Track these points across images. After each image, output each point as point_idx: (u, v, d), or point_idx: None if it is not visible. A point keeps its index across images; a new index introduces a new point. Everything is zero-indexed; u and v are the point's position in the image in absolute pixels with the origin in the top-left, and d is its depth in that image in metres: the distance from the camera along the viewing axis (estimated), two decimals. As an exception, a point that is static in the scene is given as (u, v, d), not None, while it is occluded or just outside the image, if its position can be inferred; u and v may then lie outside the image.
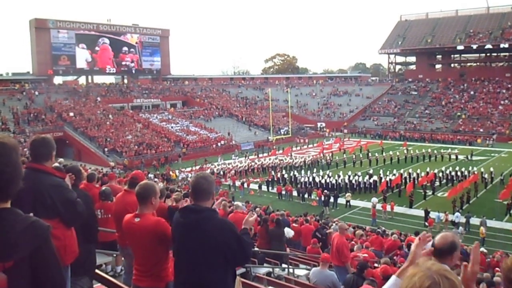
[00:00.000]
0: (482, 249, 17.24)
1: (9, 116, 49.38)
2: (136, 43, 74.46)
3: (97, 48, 69.40)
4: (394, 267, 9.39)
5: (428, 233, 2.64)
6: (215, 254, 3.13)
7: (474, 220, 24.57)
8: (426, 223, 24.71)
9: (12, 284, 1.82)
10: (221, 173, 38.81)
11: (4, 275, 1.80)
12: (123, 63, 72.72)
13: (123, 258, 6.72)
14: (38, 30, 63.64)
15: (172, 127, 58.37)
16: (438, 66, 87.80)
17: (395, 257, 13.64)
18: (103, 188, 6.87)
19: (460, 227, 23.22)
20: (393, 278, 2.48)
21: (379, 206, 27.73)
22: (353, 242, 14.59)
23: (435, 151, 46.64)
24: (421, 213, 26.50)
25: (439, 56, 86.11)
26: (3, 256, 1.80)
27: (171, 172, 39.02)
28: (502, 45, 72.54)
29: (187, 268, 3.23)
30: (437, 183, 33.80)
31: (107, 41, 70.74)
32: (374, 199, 28.94)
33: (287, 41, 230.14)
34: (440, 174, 35.42)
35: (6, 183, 1.89)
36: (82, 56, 68.28)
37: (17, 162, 1.93)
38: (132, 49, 73.81)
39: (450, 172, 35.16)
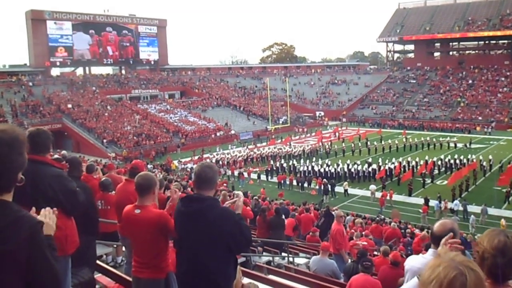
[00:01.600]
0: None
1: (7, 109, 49.23)
2: (135, 27, 74.85)
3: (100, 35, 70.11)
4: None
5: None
6: (218, 242, 3.13)
7: (474, 208, 24.65)
8: (420, 210, 24.79)
9: (1, 277, 1.81)
10: (220, 162, 38.83)
11: None
12: (123, 43, 72.79)
13: (123, 249, 6.74)
14: (34, 22, 63.25)
15: (170, 117, 58.30)
16: (436, 54, 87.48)
17: (396, 244, 13.71)
18: (103, 179, 6.86)
19: (472, 216, 23.00)
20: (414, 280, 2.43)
21: (378, 194, 27.86)
22: (352, 230, 14.66)
23: (434, 139, 46.63)
24: (420, 201, 26.57)
25: (437, 44, 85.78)
26: None
27: (173, 163, 39.10)
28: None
29: (189, 257, 3.23)
30: (436, 171, 33.91)
31: (109, 28, 71.12)
32: (373, 186, 29.10)
33: (285, 30, 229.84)
34: (439, 162, 35.47)
35: None
36: (85, 42, 68.58)
37: (7, 155, 1.91)
38: (130, 33, 73.97)
39: (449, 160, 35.19)
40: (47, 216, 2.36)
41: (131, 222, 3.85)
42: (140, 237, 3.81)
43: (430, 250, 3.02)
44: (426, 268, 1.56)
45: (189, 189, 13.09)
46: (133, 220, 3.81)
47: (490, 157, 35.81)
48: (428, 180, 31.62)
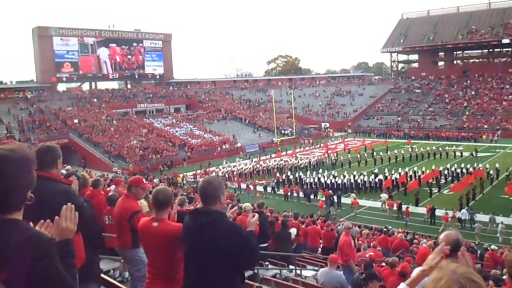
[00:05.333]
0: (493, 246, 17.19)
1: (14, 125, 49.61)
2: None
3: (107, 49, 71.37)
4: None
5: (445, 246, 2.54)
6: (224, 256, 3.15)
7: (481, 217, 24.44)
8: (442, 221, 24.47)
9: None
10: (226, 176, 38.80)
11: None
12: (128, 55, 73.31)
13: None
14: (40, 38, 64.04)
15: (176, 131, 58.48)
16: (440, 63, 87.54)
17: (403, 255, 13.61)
18: (110, 194, 6.88)
19: (500, 224, 22.68)
20: (402, 285, 2.42)
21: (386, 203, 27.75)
22: (359, 241, 14.58)
23: (440, 149, 46.51)
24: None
25: (441, 53, 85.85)
26: None
27: (179, 176, 39.13)
28: (504, 41, 72.37)
29: (196, 270, 3.26)
30: (443, 181, 33.71)
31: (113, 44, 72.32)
32: (384, 195, 28.87)
33: (289, 42, 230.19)
34: (446, 172, 35.29)
35: (2, 195, 1.90)
36: (104, 55, 70.47)
37: (15, 174, 1.93)
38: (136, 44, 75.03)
39: (455, 169, 34.96)
40: (67, 219, 2.38)
41: (148, 235, 3.90)
42: (158, 249, 3.85)
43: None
44: (429, 281, 1.57)
45: (197, 202, 13.09)
46: (151, 233, 3.85)
47: (497, 165, 35.61)
48: (435, 190, 31.43)
